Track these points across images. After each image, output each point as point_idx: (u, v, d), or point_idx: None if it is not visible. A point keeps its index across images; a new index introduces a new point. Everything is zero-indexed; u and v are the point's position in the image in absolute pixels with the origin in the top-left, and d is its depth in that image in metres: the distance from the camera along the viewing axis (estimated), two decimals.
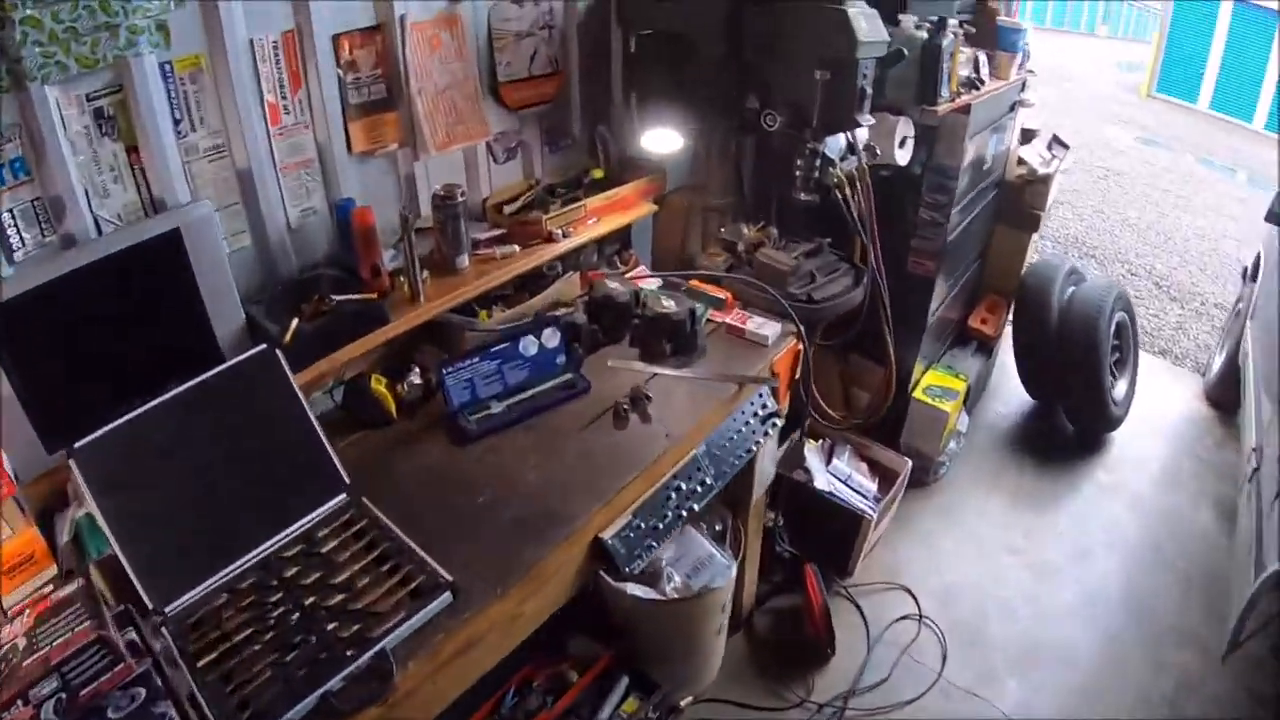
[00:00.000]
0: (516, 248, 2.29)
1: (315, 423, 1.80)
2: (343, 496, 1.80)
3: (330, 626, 1.53)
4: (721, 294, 2.43)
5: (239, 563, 1.65)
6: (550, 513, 1.80)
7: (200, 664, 1.46)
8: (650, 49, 2.45)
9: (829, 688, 2.71)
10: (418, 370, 2.12)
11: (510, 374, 2.10)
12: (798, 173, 2.35)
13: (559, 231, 2.35)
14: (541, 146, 2.56)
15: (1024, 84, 3.46)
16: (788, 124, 2.27)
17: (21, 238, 1.61)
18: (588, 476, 1.90)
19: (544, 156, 2.58)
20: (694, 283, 2.48)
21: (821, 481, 3.01)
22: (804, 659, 2.79)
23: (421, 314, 2.09)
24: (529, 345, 2.10)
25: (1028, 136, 3.73)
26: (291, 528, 1.72)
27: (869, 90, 2.22)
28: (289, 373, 1.78)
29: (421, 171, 2.28)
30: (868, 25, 2.14)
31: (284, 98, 1.93)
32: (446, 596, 1.58)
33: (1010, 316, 3.79)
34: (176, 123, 1.76)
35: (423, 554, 1.65)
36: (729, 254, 2.56)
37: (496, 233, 2.34)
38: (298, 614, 1.56)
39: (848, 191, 2.42)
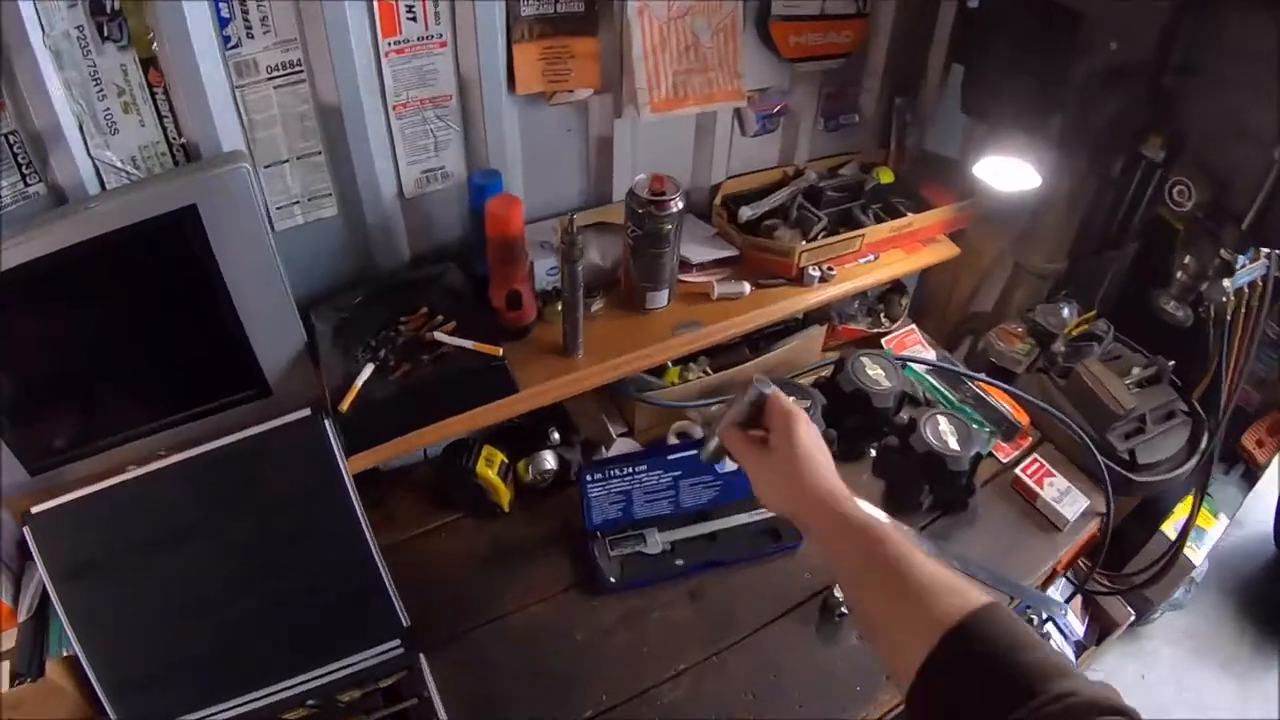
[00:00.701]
0: (747, 287, 1.49)
1: (371, 539, 1.19)
2: (395, 646, 1.22)
3: None
4: (1019, 417, 1.61)
5: (231, 705, 1.17)
6: None
7: None
8: (1007, 13, 1.52)
9: None
10: (556, 445, 1.42)
11: (688, 493, 1.38)
12: (1178, 274, 1.47)
13: (815, 270, 1.54)
14: (815, 120, 1.70)
15: None
16: (1201, 206, 1.36)
17: None
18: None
19: (815, 135, 1.72)
20: (983, 384, 1.65)
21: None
22: None
23: (571, 384, 1.34)
24: (726, 460, 1.36)
25: None
26: (308, 675, 1.19)
27: None
28: (342, 461, 1.16)
29: (624, 136, 1.48)
30: None
31: None
32: None
33: None
34: (223, 24, 1.08)
35: None
36: (1035, 345, 1.71)
37: (722, 254, 1.55)
38: None
39: (1229, 313, 1.53)
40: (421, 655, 1.20)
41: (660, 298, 1.43)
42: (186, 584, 1.14)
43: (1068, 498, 1.48)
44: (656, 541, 1.35)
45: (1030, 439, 1.62)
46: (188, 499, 1.13)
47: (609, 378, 1.37)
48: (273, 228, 1.24)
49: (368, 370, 1.22)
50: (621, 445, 1.51)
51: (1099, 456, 1.49)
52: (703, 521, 1.39)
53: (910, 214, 1.64)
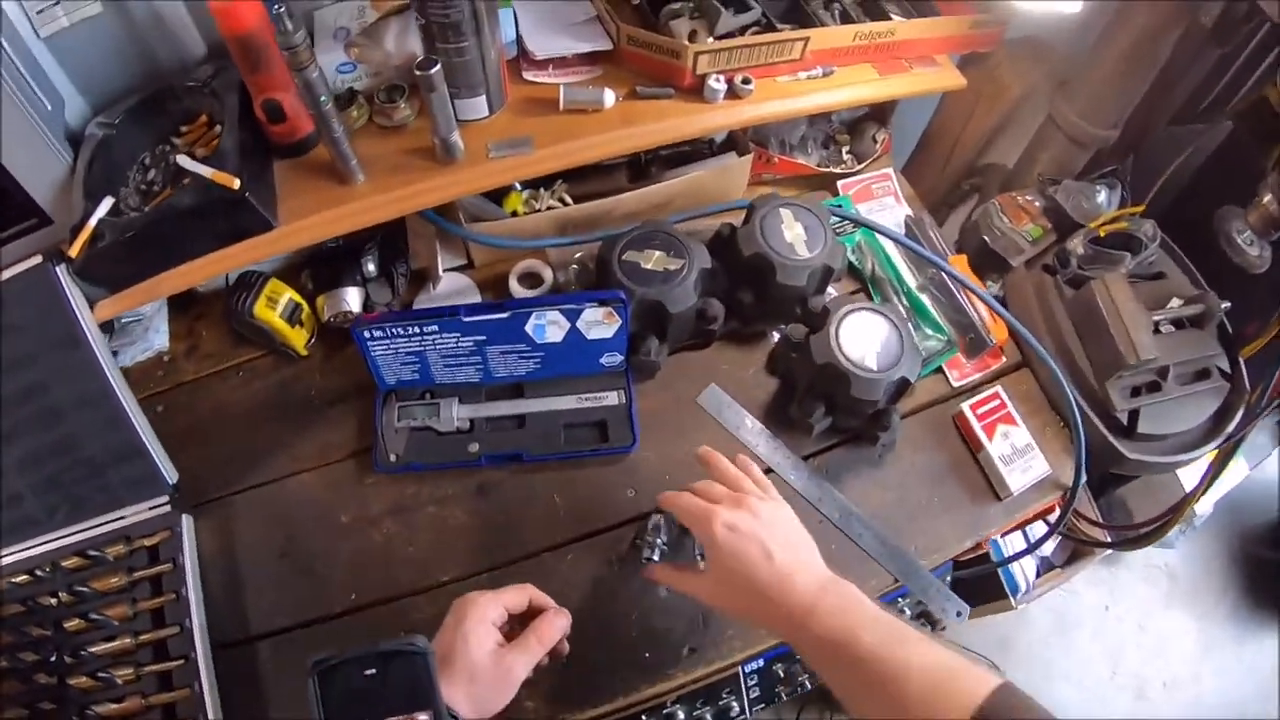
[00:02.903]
0: (610, 96, 1.08)
1: (123, 397, 1.06)
2: (162, 503, 1.08)
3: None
4: (993, 330, 1.16)
5: (11, 550, 1.08)
6: None
7: None
8: None
9: None
10: (370, 278, 1.15)
11: (498, 361, 1.09)
12: (1266, 198, 1.04)
13: (718, 81, 1.08)
14: None
15: None
16: None
17: None
18: None
19: None
20: (960, 264, 1.18)
21: None
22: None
23: (342, 218, 1.03)
24: (546, 328, 1.05)
25: None
26: (79, 527, 1.08)
27: None
28: (80, 314, 1.03)
29: None
30: None
31: None
32: None
33: None
34: None
35: (213, 715, 0.96)
36: (1050, 231, 1.20)
37: (589, 46, 1.12)
38: (55, 678, 1.00)
39: None
40: (185, 517, 1.06)
41: (475, 106, 1.06)
42: None
43: (1022, 460, 1.08)
44: (451, 417, 1.09)
45: (1002, 358, 1.17)
46: None
47: (399, 210, 1.05)
48: (39, 36, 1.01)
49: (105, 206, 0.99)
50: (450, 282, 1.22)
51: (1078, 409, 1.05)
52: (514, 399, 1.12)
53: (898, 18, 1.12)
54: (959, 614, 1.06)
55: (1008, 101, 1.29)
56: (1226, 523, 2.57)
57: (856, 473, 1.09)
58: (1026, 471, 1.08)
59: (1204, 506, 2.02)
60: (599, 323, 1.04)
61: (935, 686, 0.65)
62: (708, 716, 1.07)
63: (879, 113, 1.29)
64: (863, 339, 1.03)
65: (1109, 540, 1.38)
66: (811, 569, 0.78)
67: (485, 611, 0.80)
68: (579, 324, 1.04)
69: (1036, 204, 1.21)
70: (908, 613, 1.11)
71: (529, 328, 1.04)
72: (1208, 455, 1.11)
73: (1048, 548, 1.95)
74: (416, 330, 1.03)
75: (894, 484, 1.09)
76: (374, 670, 0.71)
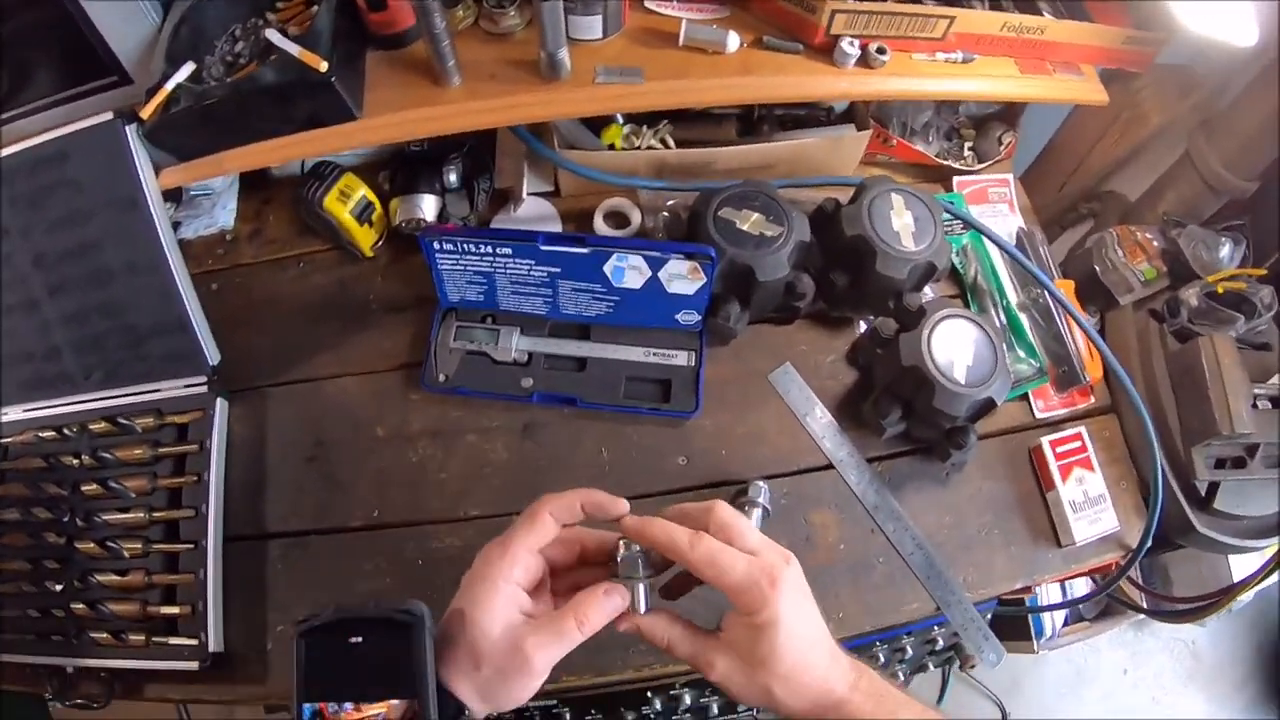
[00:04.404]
0: (734, 40, 1.00)
1: (177, 268, 1.02)
2: (200, 383, 1.05)
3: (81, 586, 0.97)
4: (1089, 366, 1.07)
5: (44, 404, 1.08)
6: None
7: None
8: None
9: None
10: (449, 189, 1.10)
11: (568, 298, 1.03)
12: None
13: (852, 45, 1.00)
14: None
15: None
16: None
17: None
18: None
19: None
20: (1066, 289, 1.10)
21: None
22: None
23: (430, 120, 0.97)
24: (626, 271, 0.98)
25: None
26: (113, 392, 1.06)
27: None
28: (144, 178, 0.99)
29: None
30: None
31: None
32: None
33: None
34: None
35: (213, 606, 0.94)
36: (1164, 275, 1.11)
37: None
38: (64, 538, 0.98)
39: None
40: (220, 400, 1.03)
41: (590, 25, 0.99)
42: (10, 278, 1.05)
43: (1092, 511, 1.01)
44: (510, 347, 1.04)
45: (1091, 398, 1.09)
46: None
47: (490, 121, 0.99)
48: None
49: (185, 70, 0.95)
50: (533, 206, 1.16)
51: (1160, 471, 0.98)
52: (579, 340, 1.06)
53: (1049, 16, 1.03)
54: (995, 659, 1.00)
55: (1145, 129, 1.19)
56: (1263, 612, 2.43)
57: (919, 487, 1.02)
58: (1094, 523, 1.00)
59: (1247, 598, 1.92)
60: (682, 276, 0.97)
61: None
62: (714, 706, 1.03)
63: (1009, 113, 1.21)
64: (955, 348, 0.95)
65: (1145, 606, 1.31)
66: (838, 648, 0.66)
67: (500, 569, 0.62)
68: (660, 274, 0.97)
69: (1155, 243, 1.12)
70: (940, 642, 1.05)
71: (607, 268, 0.98)
72: (1273, 546, 1.04)
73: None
74: (489, 250, 0.97)
75: (955, 507, 1.02)
76: (360, 639, 0.59)
